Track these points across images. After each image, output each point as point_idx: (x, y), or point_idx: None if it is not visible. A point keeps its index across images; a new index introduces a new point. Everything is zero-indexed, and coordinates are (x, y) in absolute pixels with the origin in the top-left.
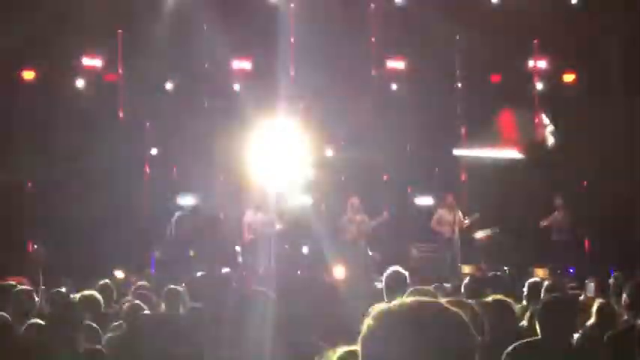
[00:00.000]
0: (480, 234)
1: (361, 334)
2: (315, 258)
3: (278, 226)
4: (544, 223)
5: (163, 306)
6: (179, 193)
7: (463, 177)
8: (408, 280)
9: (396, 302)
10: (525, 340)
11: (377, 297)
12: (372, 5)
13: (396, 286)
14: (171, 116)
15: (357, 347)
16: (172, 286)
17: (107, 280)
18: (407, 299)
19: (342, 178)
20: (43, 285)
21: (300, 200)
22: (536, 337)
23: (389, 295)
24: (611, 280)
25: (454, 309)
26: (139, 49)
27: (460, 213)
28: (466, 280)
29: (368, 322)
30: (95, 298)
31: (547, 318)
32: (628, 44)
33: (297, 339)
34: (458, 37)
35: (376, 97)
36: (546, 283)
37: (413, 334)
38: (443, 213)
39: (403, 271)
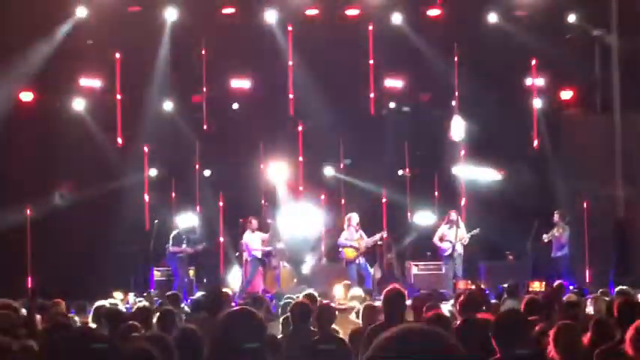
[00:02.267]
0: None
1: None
2: (313, 277)
3: (277, 245)
4: (545, 238)
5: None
6: (178, 214)
7: (463, 195)
8: (406, 299)
9: (395, 329)
10: None
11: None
12: (370, 26)
13: (393, 305)
14: (169, 138)
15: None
16: (166, 307)
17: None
18: (406, 326)
19: (341, 198)
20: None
21: (303, 219)
22: None
23: (387, 313)
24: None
25: (445, 335)
26: (137, 71)
27: (463, 229)
28: (461, 296)
29: (374, 344)
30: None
31: None
32: (624, 61)
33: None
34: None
35: (375, 116)
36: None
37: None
38: (445, 229)
39: (402, 290)
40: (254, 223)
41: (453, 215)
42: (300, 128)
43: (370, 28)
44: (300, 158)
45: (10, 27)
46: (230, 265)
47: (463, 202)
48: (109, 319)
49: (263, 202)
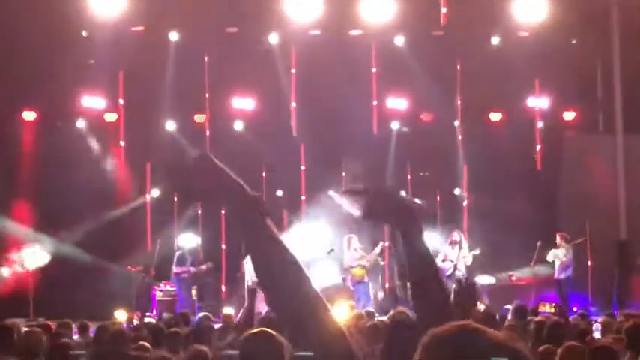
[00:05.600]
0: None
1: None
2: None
3: None
4: (549, 258)
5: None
6: (180, 233)
7: (465, 216)
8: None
9: (445, 326)
10: None
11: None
12: (373, 47)
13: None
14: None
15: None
16: (173, 329)
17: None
18: (455, 323)
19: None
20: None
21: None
22: None
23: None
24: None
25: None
26: (140, 91)
27: (466, 249)
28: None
29: (420, 347)
30: None
31: None
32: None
33: None
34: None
35: (377, 136)
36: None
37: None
38: (448, 249)
39: (409, 312)
40: None
41: (456, 235)
42: (302, 148)
43: (373, 48)
44: (303, 180)
45: (16, 46)
46: (232, 284)
47: (465, 222)
48: (113, 338)
49: None
